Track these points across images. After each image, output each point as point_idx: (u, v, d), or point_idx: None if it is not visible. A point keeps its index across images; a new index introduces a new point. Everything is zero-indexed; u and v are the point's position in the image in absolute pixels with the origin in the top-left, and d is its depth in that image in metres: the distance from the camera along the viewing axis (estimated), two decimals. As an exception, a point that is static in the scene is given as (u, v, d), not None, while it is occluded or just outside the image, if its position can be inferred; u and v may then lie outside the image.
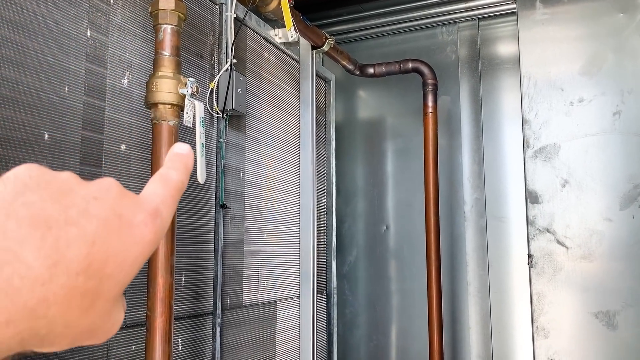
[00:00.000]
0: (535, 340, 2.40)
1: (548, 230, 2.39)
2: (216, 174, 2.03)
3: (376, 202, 3.09)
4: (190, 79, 1.44)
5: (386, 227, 3.05)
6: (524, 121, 2.47)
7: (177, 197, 0.32)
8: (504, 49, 2.93)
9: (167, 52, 1.45)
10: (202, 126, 1.52)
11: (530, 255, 2.42)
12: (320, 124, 2.89)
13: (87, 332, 0.28)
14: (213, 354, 1.95)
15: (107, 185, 0.29)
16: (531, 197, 2.43)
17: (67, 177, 0.28)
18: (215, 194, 2.02)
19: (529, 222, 2.43)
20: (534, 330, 2.40)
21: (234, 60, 1.98)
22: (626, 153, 2.32)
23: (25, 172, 0.27)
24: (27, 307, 0.24)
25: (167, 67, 1.44)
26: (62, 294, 0.25)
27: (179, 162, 0.34)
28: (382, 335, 3.00)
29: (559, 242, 2.37)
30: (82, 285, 0.26)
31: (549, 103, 2.44)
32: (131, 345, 1.60)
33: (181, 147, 0.35)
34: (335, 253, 2.91)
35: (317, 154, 2.78)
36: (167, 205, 0.31)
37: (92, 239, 0.26)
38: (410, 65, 2.62)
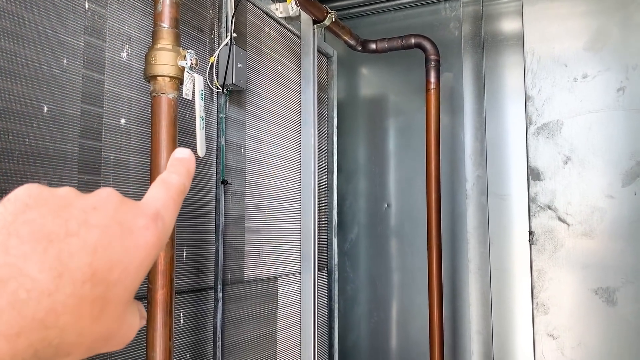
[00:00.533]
0: (535, 317, 2.42)
1: (549, 207, 2.39)
2: (217, 150, 2.02)
3: (377, 180, 3.09)
4: (189, 51, 1.43)
5: (387, 205, 3.05)
6: (526, 97, 2.45)
7: (179, 200, 0.33)
8: (508, 25, 2.89)
9: (166, 24, 1.44)
10: (202, 99, 1.51)
11: (531, 232, 2.42)
12: (322, 100, 2.87)
13: (103, 339, 0.28)
14: (215, 328, 1.97)
15: (106, 195, 0.30)
16: (533, 174, 2.43)
17: (66, 192, 0.29)
18: (216, 169, 2.02)
19: (530, 199, 2.43)
20: (534, 306, 2.42)
21: (234, 35, 1.96)
22: (630, 129, 2.30)
23: (25, 192, 0.28)
24: (36, 318, 0.25)
25: (166, 40, 1.43)
26: (71, 304, 0.26)
27: (180, 166, 0.34)
28: (383, 311, 3.02)
29: (560, 219, 2.37)
30: (89, 293, 0.26)
31: (552, 79, 2.42)
32: (133, 318, 1.61)
33: (182, 152, 0.36)
34: (336, 230, 2.92)
35: (318, 131, 2.77)
36: (169, 209, 0.32)
37: (94, 247, 0.27)
38: (412, 40, 2.58)
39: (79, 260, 0.26)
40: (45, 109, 1.39)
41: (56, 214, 0.27)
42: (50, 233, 0.26)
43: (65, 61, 1.44)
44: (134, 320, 0.30)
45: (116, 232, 0.28)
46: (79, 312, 0.26)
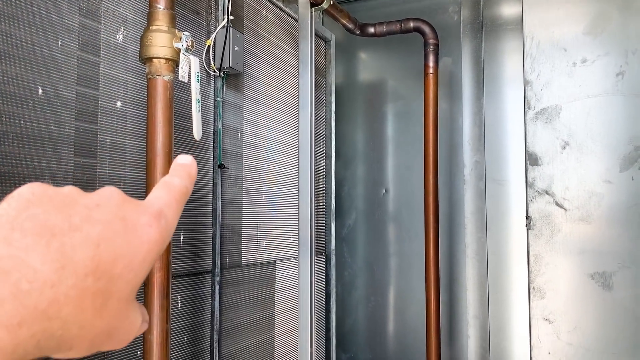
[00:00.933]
0: (531, 301, 2.43)
1: (547, 192, 2.39)
2: (213, 134, 2.01)
3: (376, 166, 3.09)
4: (185, 33, 1.42)
5: (385, 191, 3.05)
6: (525, 82, 2.44)
7: (181, 201, 0.34)
8: (507, 9, 2.86)
9: (161, 5, 1.42)
10: (198, 81, 1.50)
11: (528, 217, 2.42)
12: (320, 85, 2.86)
13: (105, 334, 0.29)
14: (212, 311, 1.98)
15: (109, 193, 0.30)
16: (531, 159, 2.42)
17: (70, 191, 0.30)
18: (213, 153, 2.01)
19: (528, 184, 2.43)
20: (530, 291, 2.43)
21: (231, 17, 1.95)
22: (628, 114, 2.29)
23: (29, 190, 0.29)
24: (39, 309, 0.25)
25: (161, 21, 1.41)
26: (73, 295, 0.26)
27: (182, 170, 0.36)
28: (380, 296, 3.03)
29: (557, 204, 2.37)
30: (92, 286, 0.27)
31: (551, 64, 2.41)
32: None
33: (184, 158, 0.37)
34: (334, 215, 2.92)
35: (316, 116, 2.75)
36: (171, 209, 0.32)
37: (97, 241, 0.27)
38: (411, 24, 2.56)
39: (81, 253, 0.27)
40: (40, 91, 1.38)
41: (60, 210, 0.28)
42: (54, 227, 0.27)
43: (60, 43, 1.43)
44: (136, 319, 0.31)
45: (119, 228, 0.28)
46: (81, 304, 0.26)
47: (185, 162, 0.36)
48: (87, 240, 0.27)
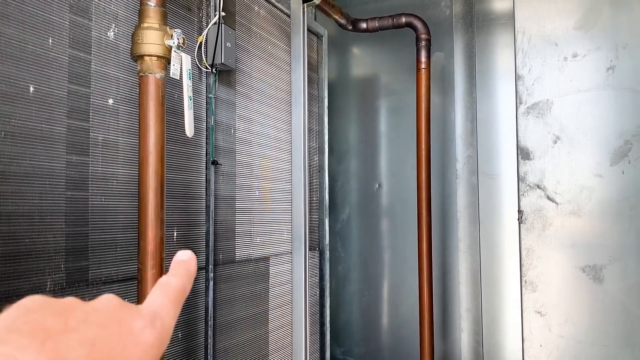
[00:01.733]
0: (523, 294, 2.45)
1: (538, 187, 2.41)
2: (206, 130, 2.01)
3: (369, 160, 3.10)
4: (176, 30, 1.41)
5: (379, 185, 3.06)
6: (517, 77, 2.45)
7: (178, 301, 0.35)
8: (499, 4, 2.87)
9: (152, 2, 1.42)
10: (189, 79, 1.50)
11: (520, 211, 2.44)
12: (313, 80, 2.86)
13: None
14: (206, 307, 1.98)
15: (107, 299, 0.32)
16: (522, 154, 2.44)
17: (70, 299, 0.31)
18: (206, 150, 2.01)
19: (519, 179, 2.45)
20: (522, 284, 2.45)
21: (223, 14, 1.94)
22: (618, 109, 2.31)
23: (29, 300, 0.30)
24: None
25: (152, 18, 1.41)
26: None
27: (180, 268, 0.37)
28: (374, 290, 3.05)
29: (549, 198, 2.39)
30: None
31: (542, 58, 2.42)
32: (124, 299, 1.62)
33: (183, 254, 0.38)
34: (327, 210, 2.93)
35: (309, 111, 2.75)
36: (168, 310, 0.34)
37: (92, 341, 0.28)
38: (403, 19, 2.57)
39: (76, 352, 0.27)
40: (31, 89, 1.37)
41: (58, 314, 0.29)
42: (50, 329, 0.28)
43: (50, 40, 1.42)
44: None
45: (115, 329, 0.30)
46: None
47: (183, 259, 0.38)
48: (83, 340, 0.28)
